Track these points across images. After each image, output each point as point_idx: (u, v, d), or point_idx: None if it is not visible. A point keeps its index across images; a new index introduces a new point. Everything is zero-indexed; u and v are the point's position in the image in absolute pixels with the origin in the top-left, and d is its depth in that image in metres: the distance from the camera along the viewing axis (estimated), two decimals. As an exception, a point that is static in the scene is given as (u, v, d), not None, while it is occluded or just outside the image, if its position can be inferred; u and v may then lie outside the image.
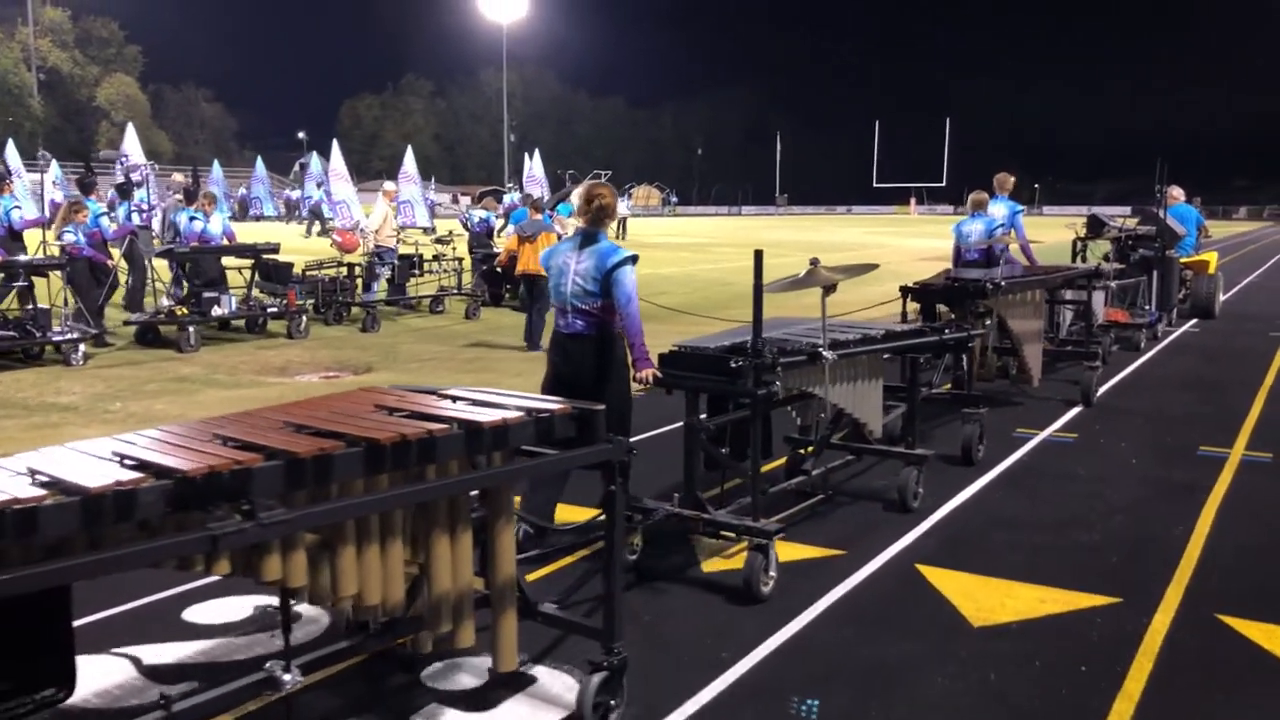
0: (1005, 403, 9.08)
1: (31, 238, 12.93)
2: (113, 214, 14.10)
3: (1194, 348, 12.87)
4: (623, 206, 37.03)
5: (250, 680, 3.03)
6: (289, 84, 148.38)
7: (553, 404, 3.49)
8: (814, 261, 5.17)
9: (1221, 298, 16.56)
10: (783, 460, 6.54)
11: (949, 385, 8.73)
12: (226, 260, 13.26)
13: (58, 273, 11.58)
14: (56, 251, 12.09)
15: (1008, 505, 6.20)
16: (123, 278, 13.53)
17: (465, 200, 40.70)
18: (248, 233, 20.95)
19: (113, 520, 2.41)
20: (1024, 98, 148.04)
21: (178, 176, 22.70)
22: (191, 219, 13.12)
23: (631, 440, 3.63)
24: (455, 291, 16.34)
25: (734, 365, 4.72)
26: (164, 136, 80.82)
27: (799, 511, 5.95)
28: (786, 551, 5.16)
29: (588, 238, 5.00)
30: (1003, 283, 8.17)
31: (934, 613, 4.57)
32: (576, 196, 5.88)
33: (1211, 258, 16.34)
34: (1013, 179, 11.45)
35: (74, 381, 9.84)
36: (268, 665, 3.02)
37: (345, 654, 3.55)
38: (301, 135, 79.43)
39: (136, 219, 14.40)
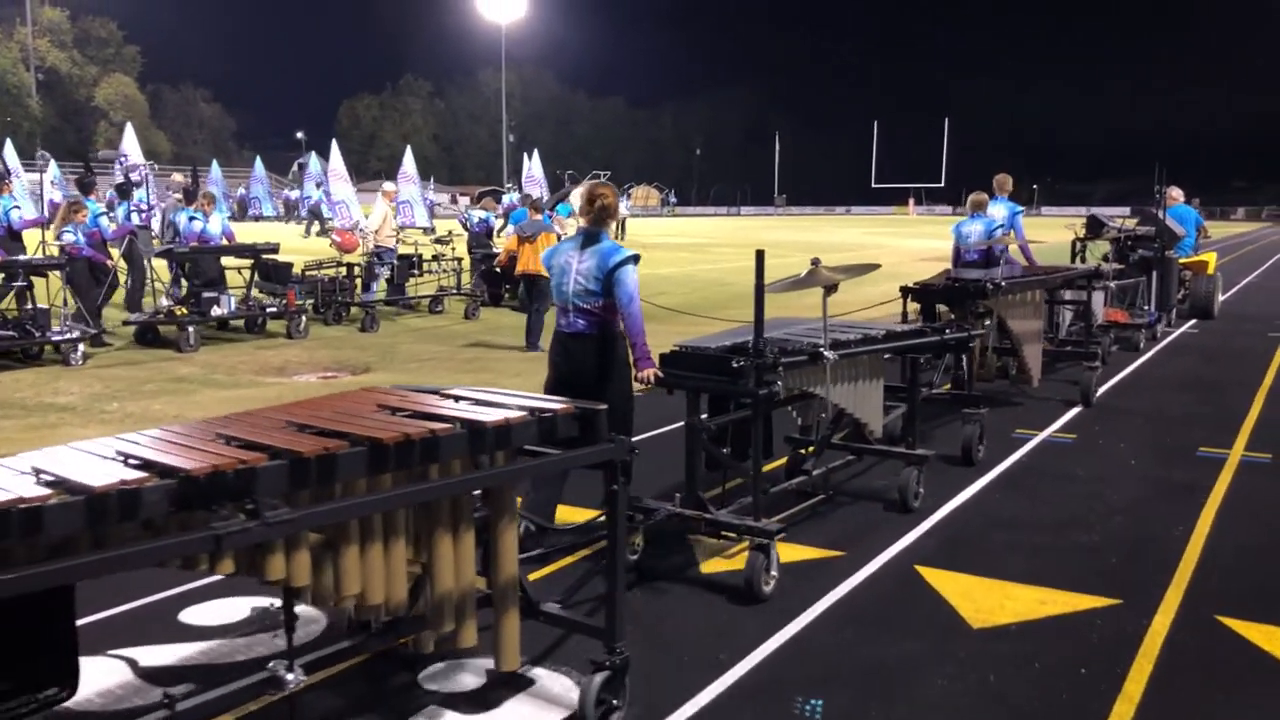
0: (1005, 403, 9.09)
1: (31, 238, 12.92)
2: (112, 214, 14.11)
3: (1193, 348, 12.88)
4: (622, 207, 37.02)
5: (253, 680, 3.03)
6: (287, 84, 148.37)
7: (555, 404, 3.50)
8: (815, 261, 5.18)
9: (1220, 298, 16.57)
10: (783, 460, 6.54)
11: (948, 385, 8.74)
12: (226, 260, 13.26)
13: (57, 273, 11.58)
14: (56, 251, 12.08)
15: (1007, 506, 6.20)
16: (122, 278, 13.53)
17: (464, 200, 40.71)
18: (247, 233, 20.95)
19: (117, 519, 2.41)
20: (1023, 98, 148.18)
21: (177, 176, 22.70)
22: (191, 219, 13.12)
23: (633, 440, 3.63)
24: (454, 292, 16.34)
25: (735, 365, 4.73)
26: (162, 136, 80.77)
27: (800, 511, 5.96)
28: (786, 552, 5.16)
29: (590, 237, 5.01)
30: (1003, 283, 8.18)
31: (933, 614, 4.57)
32: (578, 196, 5.88)
33: (1210, 258, 16.36)
34: (1012, 180, 11.45)
35: (72, 382, 9.84)
36: (271, 665, 3.03)
37: (347, 654, 3.55)
38: (300, 135, 79.48)
39: (136, 219, 14.40)
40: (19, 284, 10.74)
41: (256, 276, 13.49)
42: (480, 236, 17.96)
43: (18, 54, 70.70)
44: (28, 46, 70.73)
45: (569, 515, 5.55)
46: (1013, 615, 4.55)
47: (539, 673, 3.89)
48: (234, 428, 3.00)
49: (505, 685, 3.77)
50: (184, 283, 13.09)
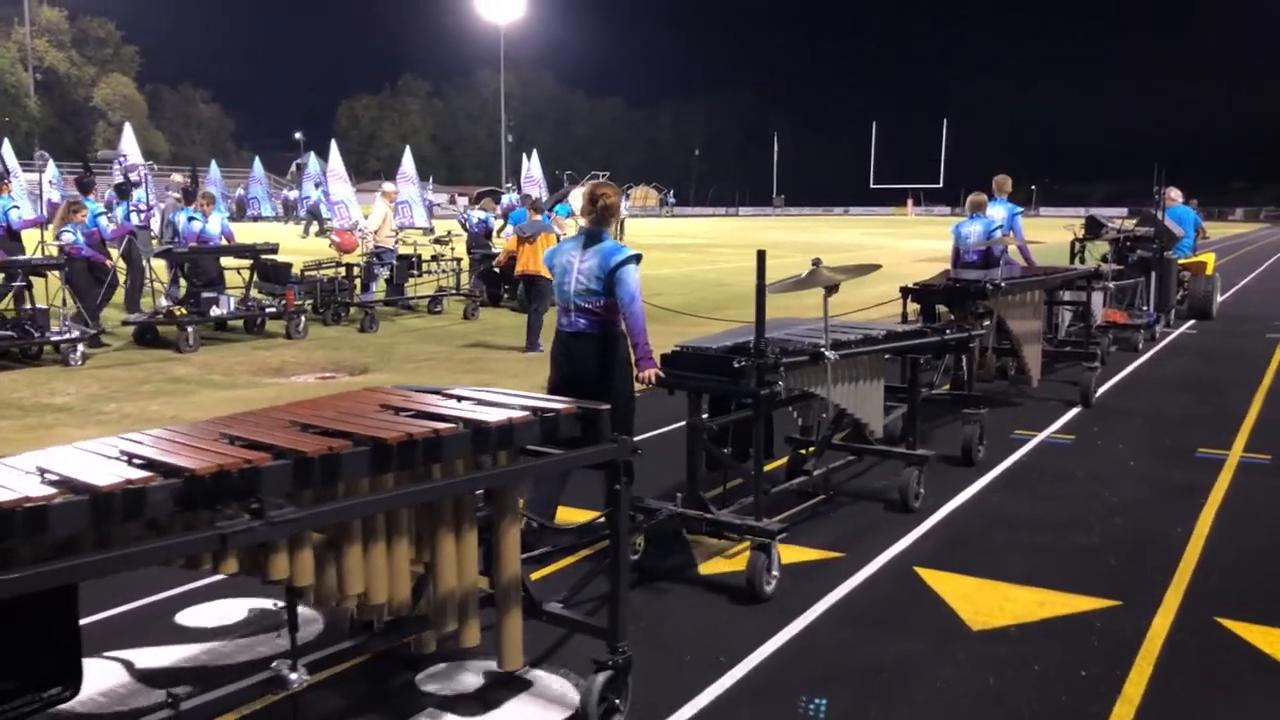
0: (1004, 403, 9.09)
1: (30, 238, 12.92)
2: (111, 214, 14.10)
3: (1192, 349, 12.89)
4: (621, 208, 36.98)
5: (257, 679, 3.03)
6: (286, 84, 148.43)
7: (558, 404, 3.50)
8: (816, 262, 5.19)
9: (1219, 299, 16.59)
10: (784, 460, 6.55)
11: (948, 386, 8.74)
12: (225, 260, 13.26)
13: (56, 273, 11.58)
14: (55, 252, 12.08)
15: (1007, 507, 6.21)
16: (121, 278, 13.53)
17: (463, 201, 40.68)
18: (246, 233, 20.94)
19: (122, 519, 2.42)
20: (1021, 99, 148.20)
21: (176, 177, 22.70)
22: (190, 219, 13.12)
23: (634, 440, 3.63)
24: (454, 292, 16.34)
25: (737, 365, 4.74)
26: (161, 137, 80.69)
27: (800, 512, 5.96)
28: (786, 554, 5.15)
29: (591, 237, 5.01)
30: (1002, 283, 8.19)
31: (933, 616, 4.56)
32: (580, 196, 5.88)
33: (1209, 259, 16.38)
34: (1011, 181, 11.47)
35: (69, 382, 9.84)
36: (274, 664, 3.03)
37: (349, 653, 3.55)
38: (298, 136, 79.46)
39: (135, 219, 14.40)
40: (18, 284, 10.74)
41: (256, 277, 13.49)
42: (479, 237, 17.97)
43: (16, 54, 70.70)
44: (26, 46, 70.75)
45: (569, 516, 5.55)
46: (1012, 617, 4.55)
47: (538, 674, 3.89)
48: (237, 427, 3.00)
49: (505, 686, 3.78)
50: (183, 283, 13.10)
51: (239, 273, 13.47)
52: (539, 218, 13.55)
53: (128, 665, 3.96)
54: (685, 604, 4.67)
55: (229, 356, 11.62)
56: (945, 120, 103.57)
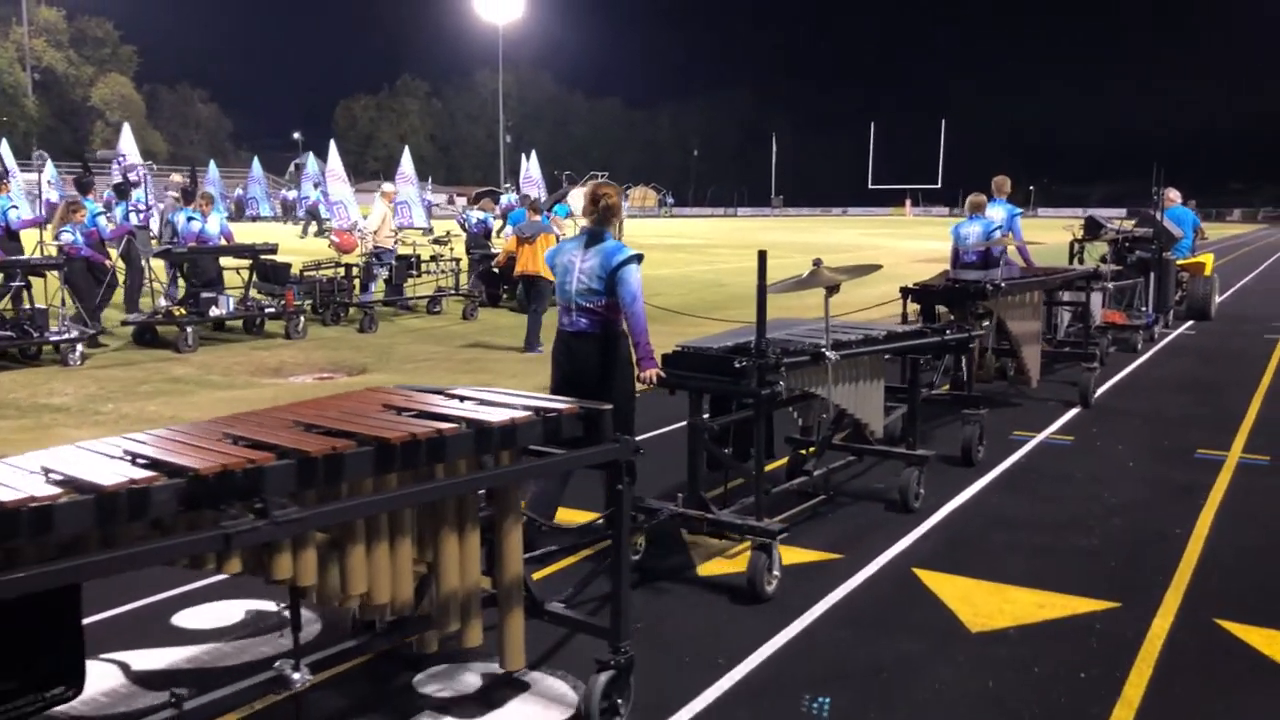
0: (1003, 404, 9.10)
1: (29, 238, 12.92)
2: (110, 214, 14.09)
3: (1190, 349, 12.91)
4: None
5: (260, 679, 3.03)
6: (284, 85, 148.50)
7: (560, 403, 3.51)
8: (817, 262, 5.19)
9: (1217, 299, 16.61)
10: (784, 461, 6.55)
11: (947, 386, 8.75)
12: (225, 261, 13.26)
13: (55, 273, 11.58)
14: (54, 252, 12.08)
15: (1006, 508, 6.21)
16: (120, 278, 13.52)
17: (461, 201, 40.68)
18: (244, 233, 20.94)
19: (126, 518, 2.42)
20: (1020, 99, 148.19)
21: (176, 177, 22.70)
22: (189, 219, 13.12)
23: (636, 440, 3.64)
24: (453, 292, 16.34)
25: (738, 365, 4.74)
26: (159, 137, 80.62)
27: (801, 512, 5.97)
28: (785, 554, 5.13)
29: (593, 236, 5.01)
30: (1002, 284, 8.20)
31: (932, 618, 4.56)
32: (581, 196, 5.89)
33: (1207, 260, 16.40)
34: (1010, 182, 11.48)
35: (66, 383, 9.83)
36: (277, 664, 3.03)
37: (352, 653, 3.55)
38: (297, 136, 79.43)
39: (134, 219, 14.40)
40: (17, 284, 10.74)
41: (255, 277, 13.49)
42: (479, 237, 17.98)
43: (14, 54, 70.64)
44: (24, 46, 70.71)
45: (568, 517, 5.55)
46: (1011, 619, 4.54)
47: (536, 676, 3.88)
48: (241, 427, 3.00)
49: (504, 688, 3.78)
50: (181, 283, 13.09)
51: (238, 273, 13.47)
52: (538, 218, 13.56)
53: (124, 667, 3.95)
54: (686, 604, 4.67)
55: (227, 357, 11.62)
56: (943, 121, 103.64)
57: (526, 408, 3.39)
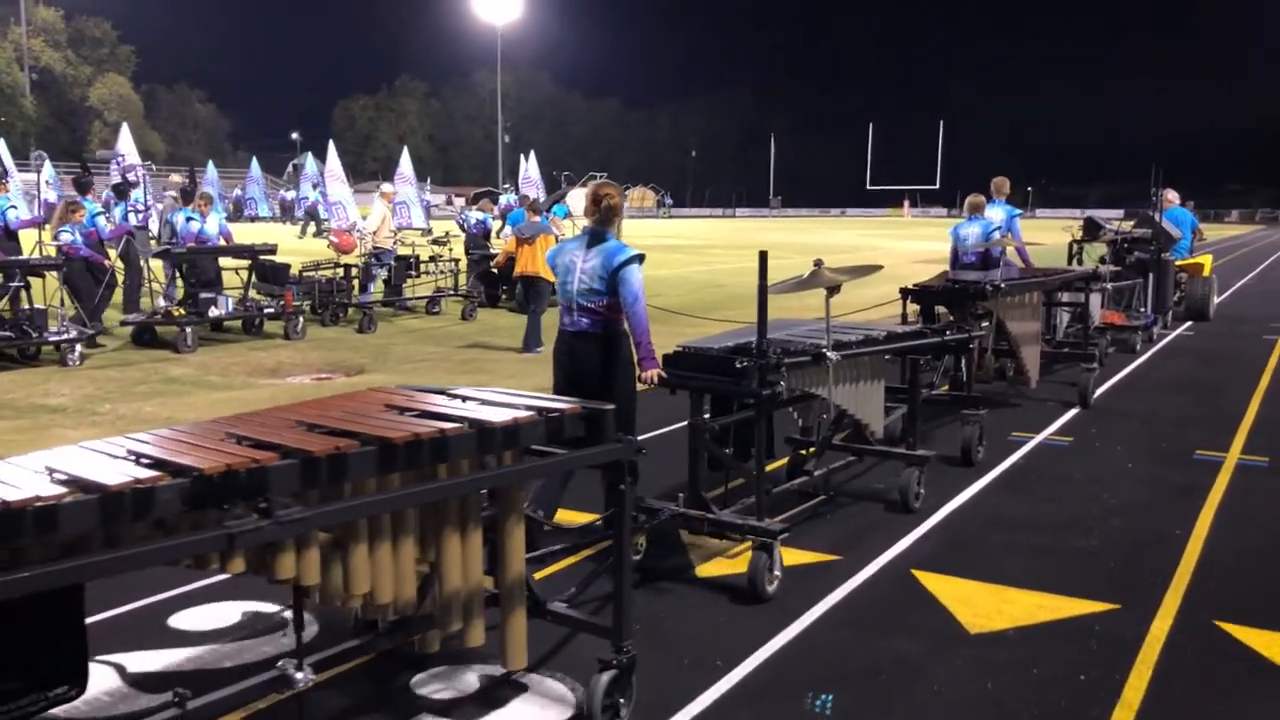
0: (1002, 404, 9.11)
1: (27, 238, 12.91)
2: (109, 214, 14.09)
3: (1189, 350, 12.93)
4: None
5: (263, 679, 3.03)
6: (283, 85, 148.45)
7: (562, 403, 3.51)
8: (818, 263, 5.20)
9: (1215, 300, 16.64)
10: (784, 461, 6.56)
11: (946, 387, 8.77)
12: (224, 261, 13.25)
13: (54, 273, 11.57)
14: (53, 252, 12.08)
15: (1005, 509, 6.21)
16: (120, 278, 13.52)
17: (459, 201, 40.69)
18: (243, 233, 20.92)
19: (130, 518, 2.42)
20: (1018, 100, 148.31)
21: (176, 177, 22.68)
22: (188, 219, 13.12)
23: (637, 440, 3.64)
24: (452, 293, 16.35)
25: (739, 366, 4.75)
26: (157, 137, 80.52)
27: (801, 512, 5.97)
28: (784, 555, 5.14)
29: (595, 236, 5.01)
30: (1002, 285, 8.21)
31: (931, 620, 4.55)
32: (576, 197, 5.89)
33: (1206, 261, 16.43)
34: (1009, 183, 11.49)
35: (63, 383, 9.82)
36: (280, 664, 3.03)
37: (354, 653, 3.55)
38: (295, 136, 79.42)
39: (133, 219, 14.40)
40: (15, 284, 10.74)
41: (254, 277, 13.48)
42: (478, 238, 17.98)
43: (12, 54, 70.59)
44: (22, 46, 70.65)
45: (568, 518, 5.55)
46: (1010, 620, 4.54)
47: (534, 678, 3.87)
48: (244, 427, 3.01)
49: (503, 688, 3.78)
50: (179, 283, 13.09)
51: (237, 273, 13.47)
52: (537, 219, 13.56)
53: (121, 669, 3.94)
54: (686, 604, 4.68)
55: (225, 357, 11.61)
56: (942, 121, 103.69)
57: (529, 408, 3.39)
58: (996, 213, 10.94)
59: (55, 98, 76.67)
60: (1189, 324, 15.37)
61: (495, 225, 20.27)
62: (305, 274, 14.73)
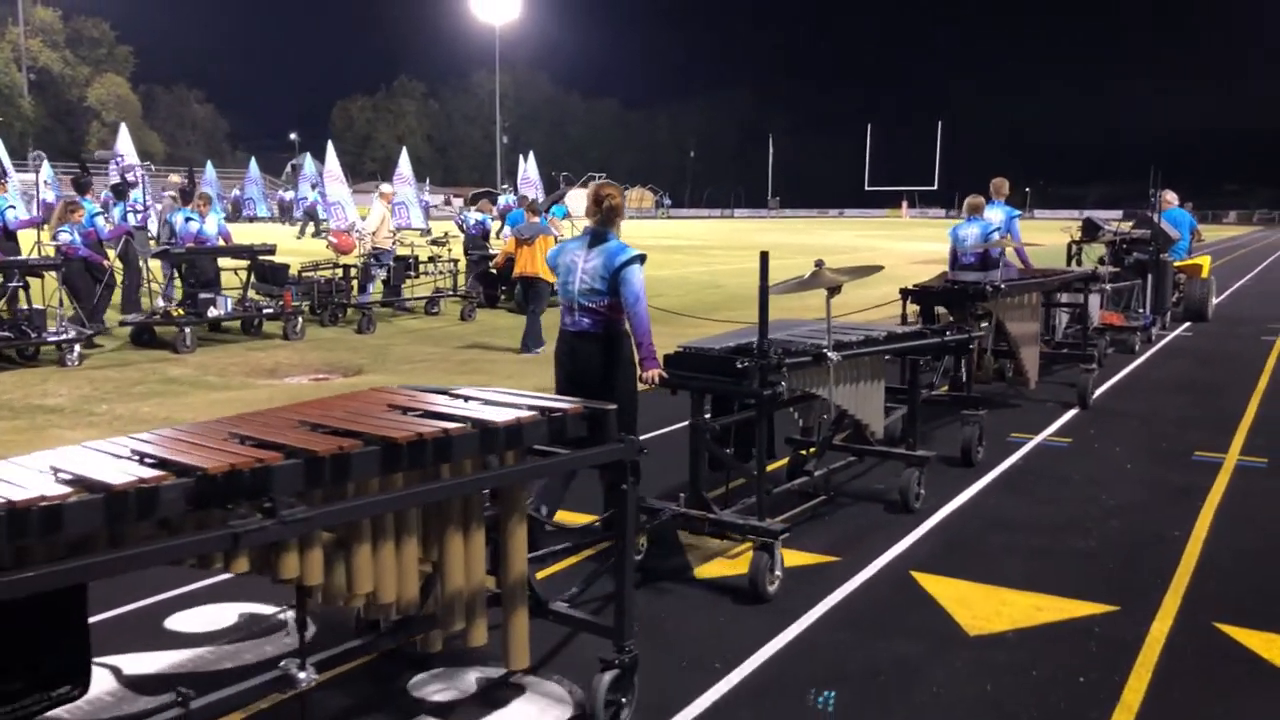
0: (1001, 405, 9.12)
1: (26, 238, 12.91)
2: (108, 214, 14.09)
3: (1188, 351, 12.94)
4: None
5: (266, 678, 3.04)
6: (281, 85, 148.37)
7: (564, 403, 3.52)
8: (819, 263, 5.21)
9: (1214, 301, 16.67)
10: (784, 461, 6.56)
11: (946, 387, 8.78)
12: (223, 261, 13.24)
13: (53, 273, 11.57)
14: (52, 252, 12.07)
15: (1004, 510, 6.21)
16: (118, 278, 13.51)
17: (458, 202, 40.69)
18: (242, 234, 20.93)
19: (135, 518, 2.43)
20: (1016, 101, 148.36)
21: (175, 177, 22.70)
22: (187, 219, 13.12)
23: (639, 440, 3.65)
24: (451, 293, 16.35)
25: (740, 366, 4.75)
26: (155, 137, 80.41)
27: (801, 512, 5.98)
28: (784, 556, 5.15)
29: (597, 236, 5.02)
30: (1001, 285, 8.22)
31: (930, 622, 4.55)
32: (575, 197, 5.89)
33: (1205, 261, 16.45)
34: (1008, 184, 11.49)
35: (60, 384, 9.81)
36: (282, 664, 3.04)
37: (356, 653, 3.55)
38: (294, 137, 79.38)
39: (132, 219, 14.39)
40: (14, 285, 10.73)
41: (253, 278, 13.48)
42: (477, 238, 17.98)
43: (10, 54, 70.53)
44: (20, 46, 70.59)
45: (567, 519, 5.55)
46: (1009, 622, 4.54)
47: (532, 680, 3.87)
48: (247, 427, 3.01)
49: (503, 689, 3.78)
50: (178, 283, 13.09)
51: (236, 274, 13.46)
52: (537, 219, 13.55)
53: (117, 671, 3.93)
54: (687, 605, 4.68)
55: (224, 358, 11.61)
56: (940, 122, 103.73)
57: (531, 408, 3.40)
58: (996, 214, 10.94)
59: (53, 98, 76.59)
60: (1187, 325, 15.39)
61: (494, 226, 20.25)
62: (304, 274, 14.73)
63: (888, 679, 3.98)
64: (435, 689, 3.81)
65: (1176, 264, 15.21)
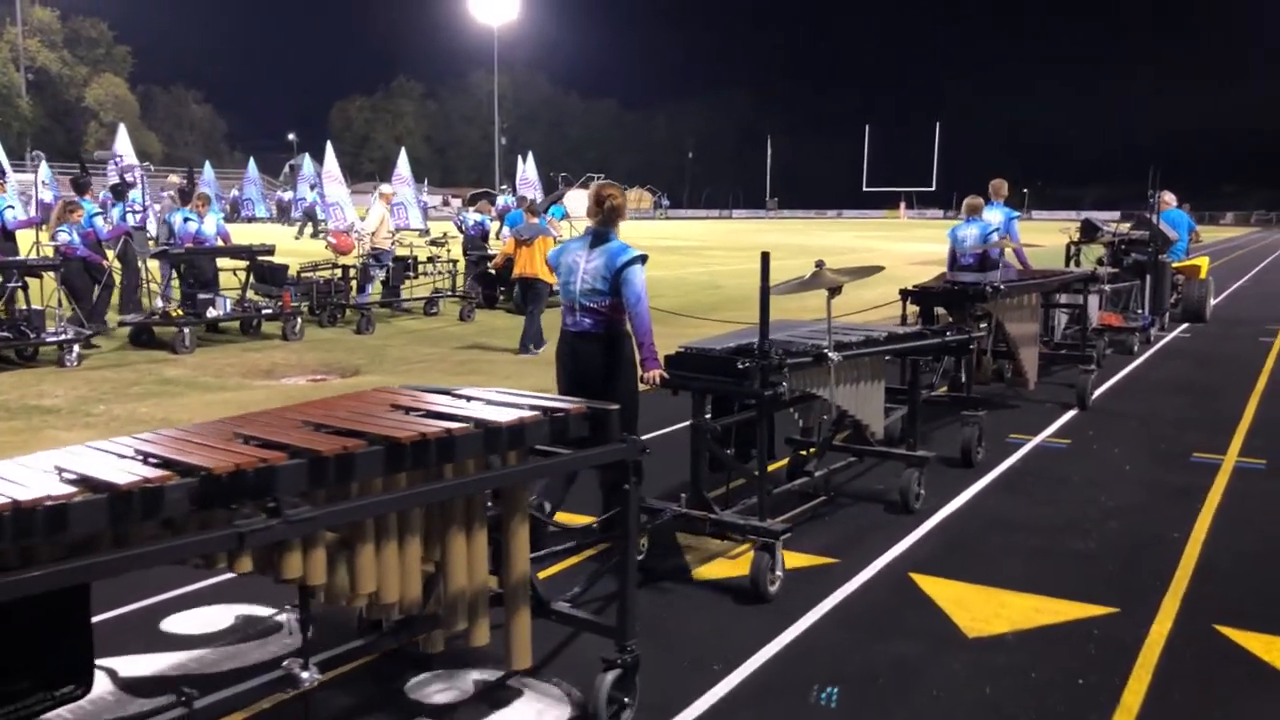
0: (1000, 406, 9.13)
1: (24, 238, 12.90)
2: (107, 214, 14.08)
3: (1186, 352, 12.96)
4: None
5: (269, 678, 3.04)
6: (279, 86, 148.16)
7: (567, 404, 3.52)
8: (819, 264, 5.21)
9: (1212, 302, 16.69)
10: (785, 461, 6.57)
11: (945, 388, 8.79)
12: (222, 262, 13.24)
13: (52, 274, 11.56)
14: (50, 252, 12.07)
15: (1003, 511, 6.22)
16: (117, 278, 13.51)
17: (457, 202, 40.68)
18: (240, 234, 20.92)
19: (140, 517, 2.43)
20: (1014, 102, 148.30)
21: (174, 178, 22.70)
22: (186, 220, 13.12)
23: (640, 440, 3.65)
24: (450, 294, 16.35)
25: (741, 366, 4.76)
26: (153, 138, 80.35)
27: (801, 513, 5.98)
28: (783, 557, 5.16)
29: (598, 237, 5.03)
30: (1001, 286, 8.23)
31: (929, 623, 4.54)
32: (580, 197, 5.90)
33: (1203, 262, 16.47)
34: (1007, 185, 11.51)
35: (57, 384, 9.80)
36: (285, 663, 3.04)
37: (358, 653, 3.55)
38: (292, 137, 79.34)
39: (131, 220, 14.38)
40: (13, 285, 10.73)
41: (252, 278, 13.47)
42: (475, 239, 17.98)
43: (8, 54, 70.48)
44: (18, 46, 70.54)
45: (566, 520, 5.56)
46: (1008, 624, 4.54)
47: (531, 682, 3.87)
48: (251, 427, 3.02)
49: (502, 690, 3.79)
50: (176, 284, 13.08)
51: (235, 274, 13.45)
52: (536, 220, 13.55)
53: (113, 673, 3.92)
54: (688, 605, 4.69)
55: (221, 358, 11.61)
56: (939, 123, 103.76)
57: (534, 407, 3.40)
58: (995, 215, 10.95)
59: (51, 98, 76.53)
60: (1186, 326, 15.41)
61: (493, 227, 20.26)
62: (303, 275, 14.72)
63: (886, 681, 3.98)
64: (435, 689, 3.81)
65: (1175, 265, 15.23)
